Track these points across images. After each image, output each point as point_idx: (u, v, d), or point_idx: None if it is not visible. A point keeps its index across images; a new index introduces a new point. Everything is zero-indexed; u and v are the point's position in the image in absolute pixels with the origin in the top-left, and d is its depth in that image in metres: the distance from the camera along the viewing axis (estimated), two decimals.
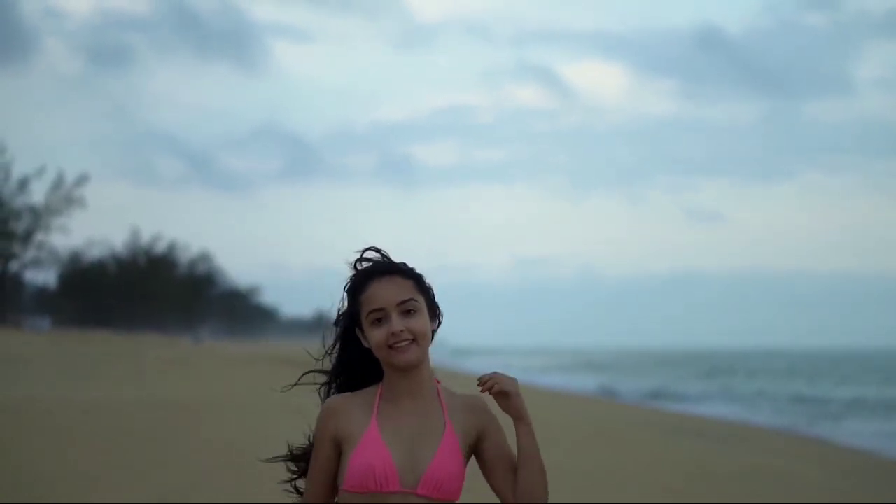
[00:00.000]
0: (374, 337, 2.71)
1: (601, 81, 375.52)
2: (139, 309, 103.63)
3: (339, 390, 2.84)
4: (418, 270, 2.80)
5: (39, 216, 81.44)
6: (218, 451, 13.24)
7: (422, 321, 2.71)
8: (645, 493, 11.79)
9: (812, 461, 17.48)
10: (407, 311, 2.70)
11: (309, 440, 2.85)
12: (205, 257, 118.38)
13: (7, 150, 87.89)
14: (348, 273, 2.81)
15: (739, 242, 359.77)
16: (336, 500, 2.74)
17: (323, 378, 2.89)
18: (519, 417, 2.70)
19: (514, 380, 2.72)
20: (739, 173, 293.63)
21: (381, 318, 2.70)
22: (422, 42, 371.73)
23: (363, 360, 2.83)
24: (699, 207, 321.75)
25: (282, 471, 2.91)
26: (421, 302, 2.73)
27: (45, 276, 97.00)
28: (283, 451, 2.91)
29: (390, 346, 2.69)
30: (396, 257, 2.83)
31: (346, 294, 2.80)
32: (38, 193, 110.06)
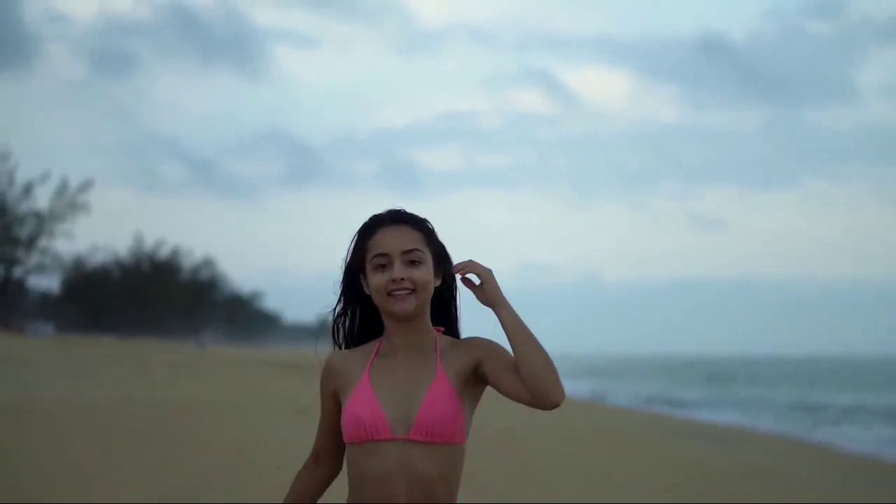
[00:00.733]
0: (375, 281, 2.72)
1: (604, 87, 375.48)
2: (142, 314, 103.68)
3: (344, 339, 2.86)
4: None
5: (43, 221, 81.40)
6: (218, 452, 13.23)
7: (424, 273, 2.72)
8: (645, 493, 11.80)
9: (812, 463, 17.48)
10: (411, 262, 2.71)
11: None
12: (208, 262, 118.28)
13: (11, 156, 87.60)
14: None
15: (743, 249, 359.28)
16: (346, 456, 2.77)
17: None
18: (495, 304, 2.72)
19: (489, 270, 2.74)
20: (743, 180, 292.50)
21: (384, 263, 2.71)
22: (425, 48, 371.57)
23: (365, 312, 2.84)
24: (702, 214, 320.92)
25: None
26: (427, 254, 2.74)
27: (48, 282, 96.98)
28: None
29: (389, 293, 2.70)
30: None
31: (355, 237, 2.81)
32: (42, 199, 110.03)
